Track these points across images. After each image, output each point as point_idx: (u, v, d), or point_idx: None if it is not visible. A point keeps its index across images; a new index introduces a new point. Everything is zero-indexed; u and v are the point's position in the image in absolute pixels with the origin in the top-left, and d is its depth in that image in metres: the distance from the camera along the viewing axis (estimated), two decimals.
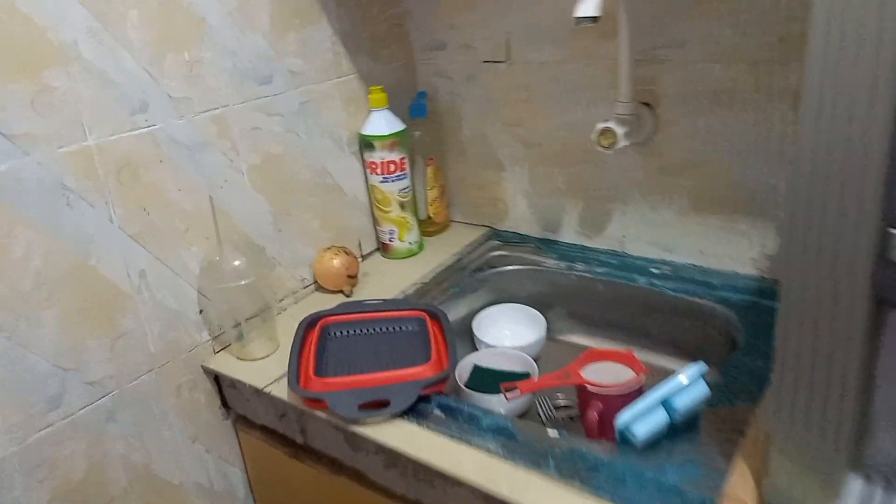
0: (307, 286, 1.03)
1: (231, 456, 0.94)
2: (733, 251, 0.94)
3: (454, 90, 1.13)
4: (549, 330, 1.01)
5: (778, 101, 0.83)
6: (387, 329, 0.91)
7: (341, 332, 0.90)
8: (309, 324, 0.89)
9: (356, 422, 0.73)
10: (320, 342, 0.86)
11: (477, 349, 1.00)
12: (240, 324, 0.86)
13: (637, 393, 0.73)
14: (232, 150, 0.88)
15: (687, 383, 0.66)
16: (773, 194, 0.88)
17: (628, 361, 0.80)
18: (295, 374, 0.78)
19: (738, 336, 0.85)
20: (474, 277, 1.07)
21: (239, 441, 0.94)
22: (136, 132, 0.77)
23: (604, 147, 0.91)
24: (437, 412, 0.74)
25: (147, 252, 0.80)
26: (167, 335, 0.84)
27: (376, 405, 0.74)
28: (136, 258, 0.79)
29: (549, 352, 1.01)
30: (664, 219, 0.99)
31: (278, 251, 0.98)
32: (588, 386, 0.75)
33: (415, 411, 0.74)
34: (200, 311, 0.87)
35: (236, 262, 0.83)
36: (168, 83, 0.80)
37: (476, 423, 0.71)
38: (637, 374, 0.76)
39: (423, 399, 0.75)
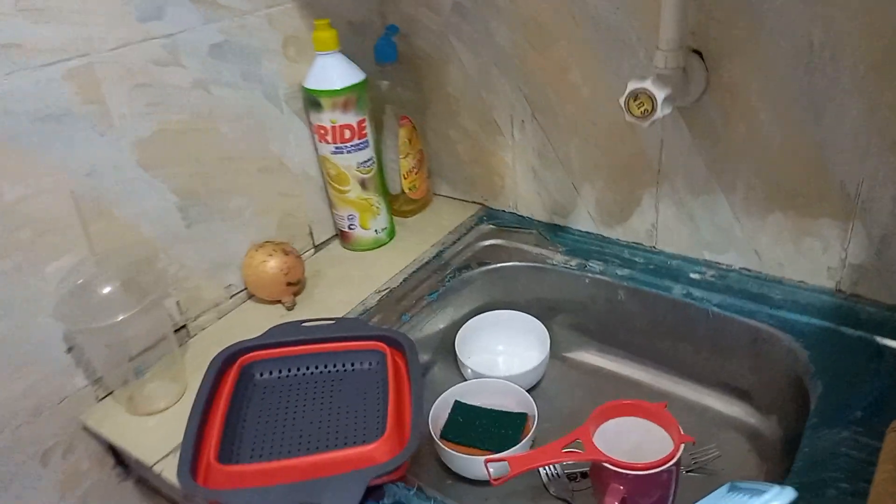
0: (236, 294, 0.78)
1: None
2: (801, 256, 0.72)
3: (438, 25, 0.84)
4: (552, 344, 0.79)
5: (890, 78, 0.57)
6: (332, 368, 0.67)
7: (269, 374, 0.66)
8: (224, 362, 0.64)
9: None
10: (237, 392, 0.62)
11: (461, 372, 0.78)
12: (121, 365, 0.62)
13: (672, 475, 0.56)
14: (103, 118, 0.61)
15: None
16: (870, 191, 0.64)
17: (661, 421, 0.61)
18: (190, 454, 0.54)
19: (807, 380, 0.64)
20: (459, 278, 0.83)
21: None
22: None
23: (636, 117, 0.65)
24: None
25: None
26: (15, 386, 0.59)
27: None
28: None
29: (552, 374, 0.80)
30: (711, 207, 0.75)
31: (189, 253, 0.72)
32: (606, 464, 0.56)
33: None
34: (69, 350, 0.62)
35: (106, 290, 0.58)
36: None
37: None
38: (675, 445, 0.57)
39: (371, 492, 0.53)
